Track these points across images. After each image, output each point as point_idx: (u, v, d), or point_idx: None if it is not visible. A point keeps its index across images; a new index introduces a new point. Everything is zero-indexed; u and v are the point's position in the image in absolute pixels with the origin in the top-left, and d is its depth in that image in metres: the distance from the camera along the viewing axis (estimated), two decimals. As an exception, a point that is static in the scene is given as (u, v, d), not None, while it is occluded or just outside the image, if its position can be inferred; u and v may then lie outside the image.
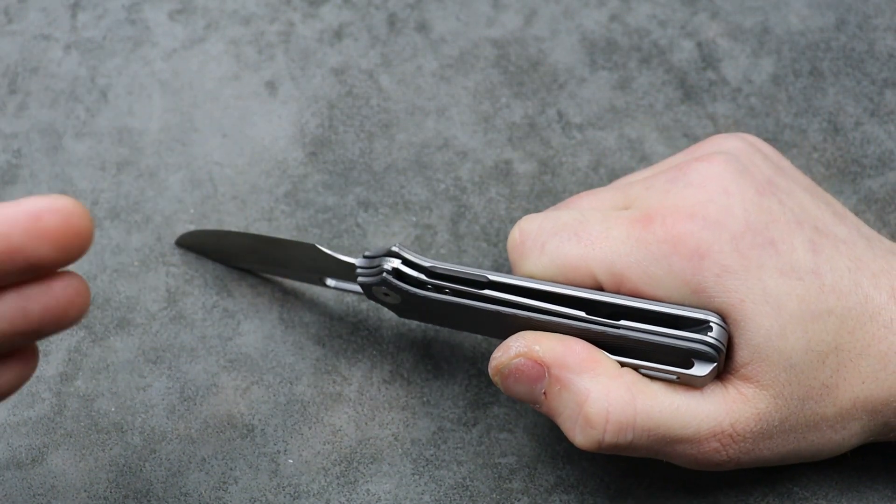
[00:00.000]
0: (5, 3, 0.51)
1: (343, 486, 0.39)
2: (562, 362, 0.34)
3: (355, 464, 0.40)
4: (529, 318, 0.35)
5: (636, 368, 0.35)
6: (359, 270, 0.37)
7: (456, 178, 0.46)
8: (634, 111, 0.47)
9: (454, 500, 0.39)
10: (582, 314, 0.35)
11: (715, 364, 0.34)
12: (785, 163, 0.38)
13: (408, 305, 0.38)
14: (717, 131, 0.47)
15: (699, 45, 0.49)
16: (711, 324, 0.34)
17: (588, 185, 0.45)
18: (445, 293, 0.36)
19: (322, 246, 0.38)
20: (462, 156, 0.46)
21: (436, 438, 0.40)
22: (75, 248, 0.24)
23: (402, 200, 0.45)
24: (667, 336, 0.34)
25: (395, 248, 0.37)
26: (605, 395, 0.34)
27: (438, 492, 0.39)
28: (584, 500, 0.39)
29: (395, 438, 0.40)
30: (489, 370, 0.36)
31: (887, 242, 0.37)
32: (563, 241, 0.35)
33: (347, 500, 0.39)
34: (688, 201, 0.35)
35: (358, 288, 0.39)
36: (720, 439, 0.34)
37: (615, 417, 0.34)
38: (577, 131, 0.47)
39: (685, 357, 0.34)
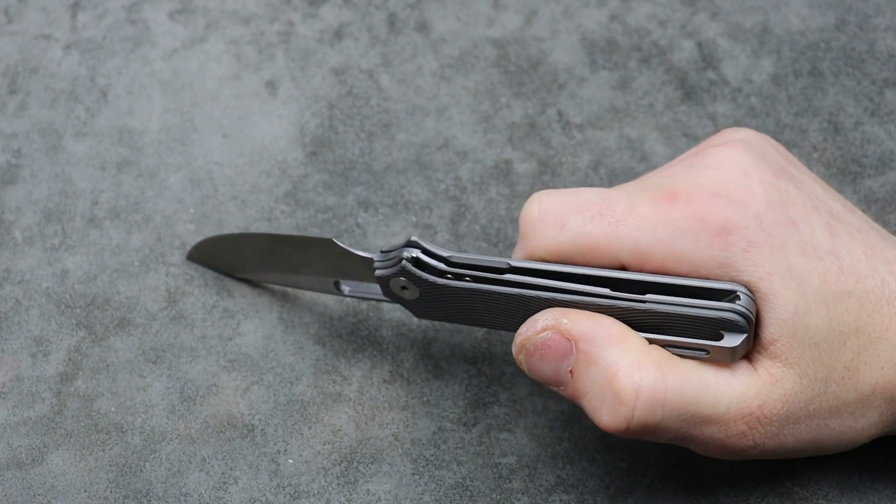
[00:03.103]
0: (5, 3, 0.51)
1: (343, 486, 0.39)
2: (590, 336, 0.34)
3: (355, 464, 0.40)
4: (553, 300, 0.34)
5: (664, 346, 0.34)
6: (377, 263, 0.37)
7: (456, 178, 0.46)
8: (634, 111, 0.47)
9: (454, 500, 0.39)
10: (607, 291, 0.34)
11: (745, 335, 0.33)
12: (793, 159, 0.39)
13: (426, 299, 0.37)
14: (717, 131, 0.47)
15: (699, 45, 0.49)
16: (739, 293, 0.33)
17: (588, 184, 0.45)
18: (466, 281, 0.36)
19: (339, 241, 0.38)
20: (462, 156, 0.46)
21: (436, 438, 0.40)
22: None
23: (402, 200, 0.45)
24: (695, 307, 0.33)
25: (413, 238, 0.36)
26: (636, 370, 0.33)
27: (438, 492, 0.39)
28: (584, 500, 0.39)
29: (395, 438, 0.40)
30: (513, 347, 0.35)
31: (894, 237, 0.37)
32: (587, 219, 0.35)
33: (347, 500, 0.39)
34: (709, 181, 0.34)
35: (376, 292, 0.39)
36: (748, 421, 0.34)
37: (646, 393, 0.33)
38: (577, 131, 0.47)
39: (714, 329, 0.33)
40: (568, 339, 0.34)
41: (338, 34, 0.50)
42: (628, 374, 0.33)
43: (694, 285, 0.33)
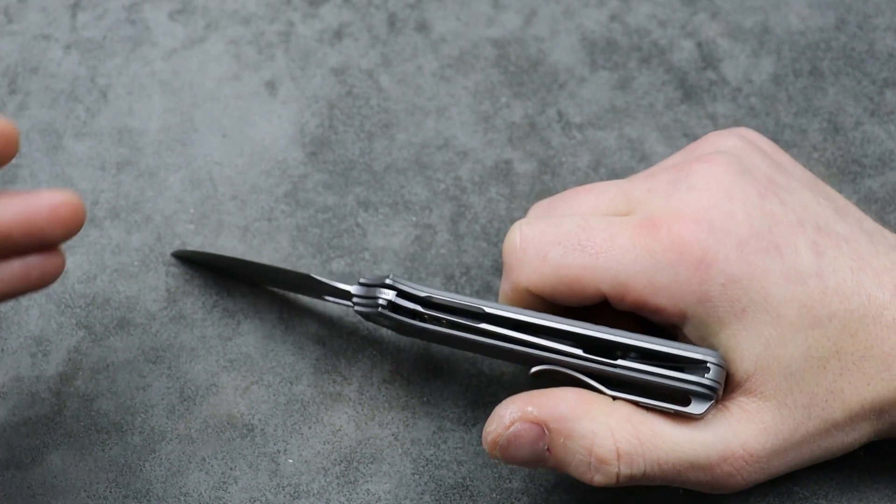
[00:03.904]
0: (5, 3, 0.51)
1: (343, 486, 0.39)
2: (557, 415, 0.34)
3: (355, 464, 0.40)
4: (526, 354, 0.35)
5: (633, 403, 0.35)
6: (355, 300, 0.37)
7: (456, 178, 0.46)
8: (634, 111, 0.47)
9: (454, 500, 0.39)
10: (580, 352, 0.34)
11: (712, 402, 0.34)
12: (784, 157, 0.38)
13: (406, 331, 0.37)
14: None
15: (699, 45, 0.49)
16: (709, 364, 0.33)
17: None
18: (442, 324, 0.36)
19: (317, 275, 0.39)
20: (462, 156, 0.46)
21: (436, 438, 0.40)
22: (76, 230, 0.32)
23: (402, 200, 0.45)
24: (664, 377, 0.34)
25: (389, 281, 0.36)
26: (610, 433, 0.34)
27: (438, 492, 0.39)
28: (585, 500, 0.39)
29: (395, 438, 0.40)
30: (485, 445, 0.35)
31: (890, 237, 0.37)
32: (567, 251, 0.35)
33: (347, 500, 0.39)
34: (691, 206, 0.34)
35: None
36: (732, 463, 0.34)
37: (625, 450, 0.33)
38: (577, 131, 0.47)
39: (682, 395, 0.34)
40: (538, 424, 0.34)
41: (338, 34, 0.50)
42: (604, 439, 0.34)
43: (666, 351, 0.34)
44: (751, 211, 0.34)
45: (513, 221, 0.45)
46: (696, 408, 0.33)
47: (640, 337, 0.34)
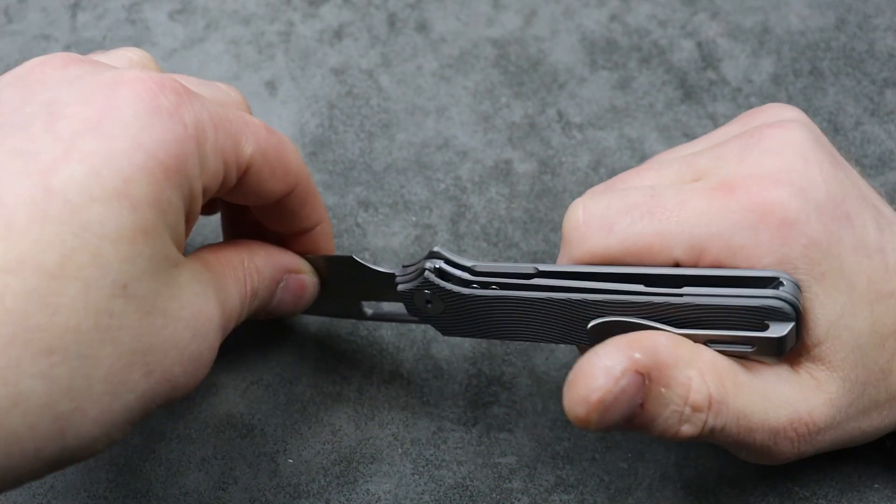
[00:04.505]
0: (5, 3, 0.51)
1: (343, 486, 0.39)
2: (659, 361, 0.31)
3: (355, 464, 0.40)
4: (584, 301, 0.32)
5: (706, 342, 0.32)
6: (399, 278, 0.36)
7: (456, 177, 0.46)
8: (634, 111, 0.47)
9: (454, 500, 0.39)
10: (641, 287, 0.32)
11: (793, 324, 0.31)
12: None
13: (452, 312, 0.35)
14: (718, 131, 0.47)
15: (699, 44, 0.49)
16: (782, 279, 0.31)
17: (588, 184, 0.45)
18: (493, 289, 0.34)
19: (359, 258, 0.37)
20: (462, 156, 0.46)
21: (436, 438, 0.40)
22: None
23: (402, 200, 0.45)
24: (737, 297, 0.31)
25: (436, 249, 0.35)
26: (702, 379, 0.31)
27: (438, 492, 0.39)
28: (584, 500, 0.39)
29: (395, 438, 0.40)
30: (581, 407, 0.30)
31: None
32: (636, 220, 0.33)
33: (347, 500, 0.39)
34: (768, 168, 0.33)
35: (401, 310, 0.38)
36: (796, 428, 0.32)
37: (716, 397, 0.31)
38: (577, 131, 0.47)
39: (759, 319, 0.31)
40: (641, 374, 0.31)
41: (338, 34, 0.50)
42: (700, 384, 0.31)
43: (732, 275, 0.31)
44: (827, 178, 0.33)
45: (513, 221, 0.45)
46: (776, 330, 0.31)
47: (700, 269, 0.32)
